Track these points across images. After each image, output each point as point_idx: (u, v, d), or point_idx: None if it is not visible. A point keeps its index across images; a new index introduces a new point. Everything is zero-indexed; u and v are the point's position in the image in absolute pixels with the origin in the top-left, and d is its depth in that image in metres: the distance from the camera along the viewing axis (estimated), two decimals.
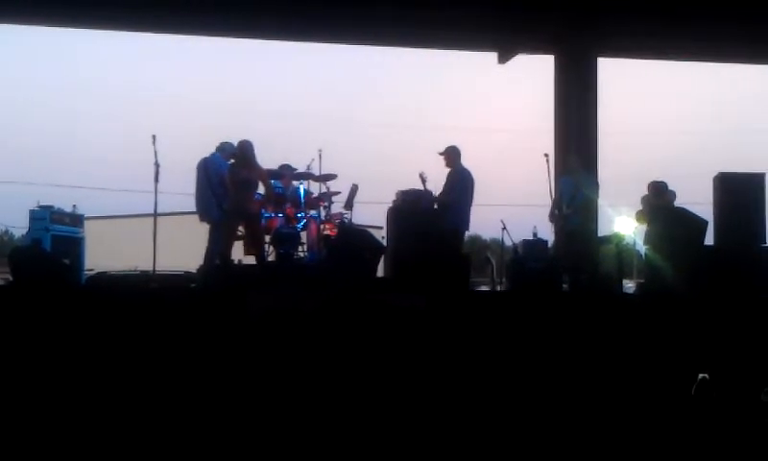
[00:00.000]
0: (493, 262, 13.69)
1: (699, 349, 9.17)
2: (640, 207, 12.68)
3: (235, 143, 12.10)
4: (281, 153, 12.78)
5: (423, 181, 12.50)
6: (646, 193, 12.59)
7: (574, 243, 11.81)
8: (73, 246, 12.16)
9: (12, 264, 10.19)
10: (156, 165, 11.34)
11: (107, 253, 18.07)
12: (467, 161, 12.41)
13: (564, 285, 11.23)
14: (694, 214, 11.45)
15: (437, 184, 12.43)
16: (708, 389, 8.04)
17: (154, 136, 11.34)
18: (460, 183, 12.41)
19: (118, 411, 8.28)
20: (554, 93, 14.29)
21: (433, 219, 12.08)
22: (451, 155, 12.55)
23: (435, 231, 11.75)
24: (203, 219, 12.03)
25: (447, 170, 12.47)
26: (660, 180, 12.64)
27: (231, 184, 11.62)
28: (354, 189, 13.29)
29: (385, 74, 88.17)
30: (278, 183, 13.02)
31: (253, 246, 12.05)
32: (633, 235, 13.47)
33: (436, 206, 12.37)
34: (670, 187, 12.63)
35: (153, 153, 11.31)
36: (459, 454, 8.15)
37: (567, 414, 8.67)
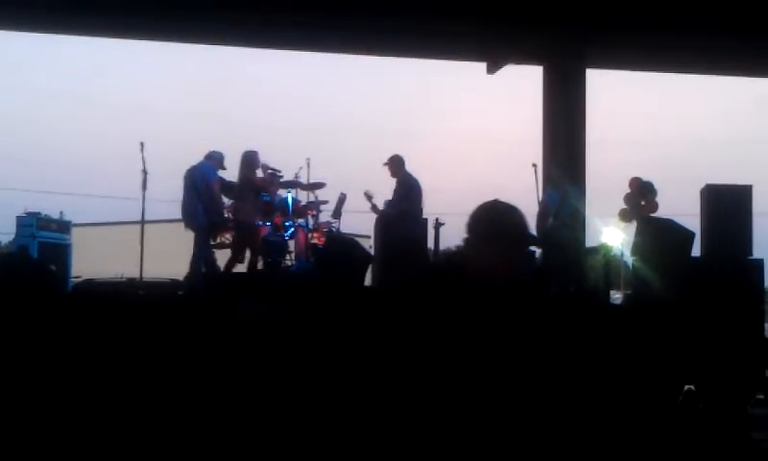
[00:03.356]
0: None
1: (685, 360, 9.19)
2: (624, 207, 12.68)
3: (224, 152, 12.16)
4: (270, 161, 12.78)
5: (369, 198, 12.67)
6: (629, 191, 12.59)
7: (561, 254, 11.82)
8: (60, 253, 12.14)
9: None
10: (144, 172, 11.34)
11: (93, 260, 18.03)
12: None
13: (551, 296, 11.24)
14: (681, 226, 11.47)
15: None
16: (694, 400, 8.05)
17: (142, 144, 11.36)
18: (410, 191, 12.54)
19: (104, 418, 8.24)
20: (542, 103, 14.32)
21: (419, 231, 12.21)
22: (395, 164, 12.68)
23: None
24: (188, 226, 12.03)
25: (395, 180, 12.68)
26: (641, 178, 12.62)
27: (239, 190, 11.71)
28: (342, 198, 13.32)
29: (374, 83, 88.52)
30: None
31: (241, 254, 12.10)
32: (620, 246, 13.50)
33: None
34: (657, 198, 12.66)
35: (141, 160, 11.32)
36: None
37: (553, 424, 8.67)
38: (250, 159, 12.48)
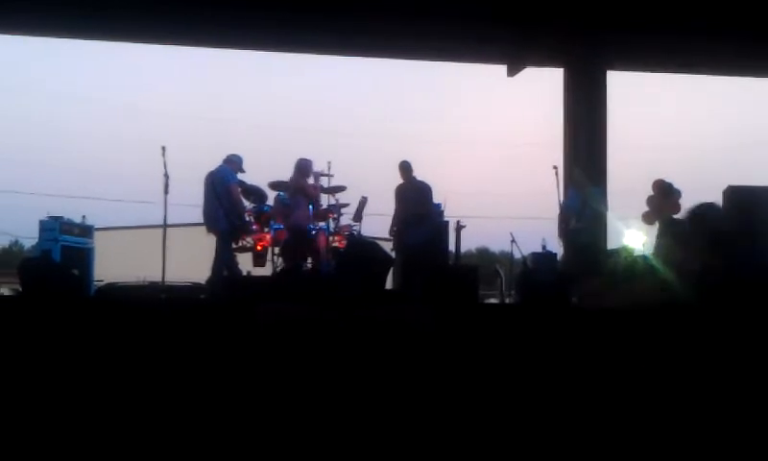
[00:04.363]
0: (502, 275, 13.69)
1: (710, 363, 9.13)
2: (647, 209, 12.62)
3: (242, 155, 12.22)
4: (291, 164, 12.83)
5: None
6: (652, 194, 12.53)
7: (583, 256, 11.79)
8: (82, 257, 12.18)
9: (22, 275, 10.20)
10: (166, 176, 11.37)
11: (116, 263, 18.09)
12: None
13: (573, 299, 11.21)
14: None
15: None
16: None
17: (163, 148, 11.39)
18: (424, 195, 12.61)
19: (127, 422, 8.27)
20: (563, 106, 14.31)
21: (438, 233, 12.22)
22: (405, 170, 12.79)
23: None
24: (210, 231, 12.08)
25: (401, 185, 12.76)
26: (664, 180, 12.56)
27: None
28: (363, 201, 13.33)
29: (395, 86, 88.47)
30: (287, 195, 13.06)
31: (302, 258, 12.22)
32: (642, 248, 13.44)
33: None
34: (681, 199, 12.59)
35: (162, 164, 11.36)
36: None
37: (577, 427, 8.64)
38: (302, 167, 12.60)
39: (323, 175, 13.04)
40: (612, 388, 9.02)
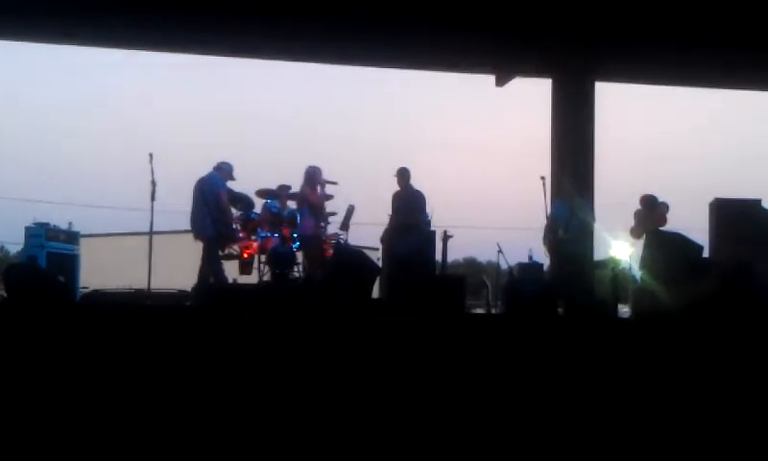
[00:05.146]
0: (489, 285, 13.69)
1: (694, 373, 9.15)
2: (634, 224, 12.64)
3: (232, 163, 12.19)
4: (278, 172, 12.86)
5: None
6: (640, 208, 12.55)
7: (569, 267, 11.80)
8: (68, 263, 12.16)
9: (7, 281, 10.18)
10: (153, 183, 11.36)
11: (102, 270, 18.03)
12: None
13: (560, 309, 11.22)
14: (690, 239, 11.45)
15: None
16: None
17: (151, 155, 11.38)
18: (417, 203, 12.59)
19: (112, 429, 8.24)
20: (551, 116, 14.31)
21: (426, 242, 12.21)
22: (404, 176, 12.74)
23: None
24: (197, 237, 12.07)
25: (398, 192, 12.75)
26: (651, 194, 12.59)
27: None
28: (351, 210, 13.31)
29: (382, 95, 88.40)
30: (275, 203, 13.05)
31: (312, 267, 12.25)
32: (629, 260, 13.47)
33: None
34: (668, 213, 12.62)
35: (149, 171, 11.34)
36: None
37: (562, 436, 8.64)
38: (309, 175, 12.60)
39: (329, 182, 12.99)
40: (597, 398, 9.03)
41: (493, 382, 8.99)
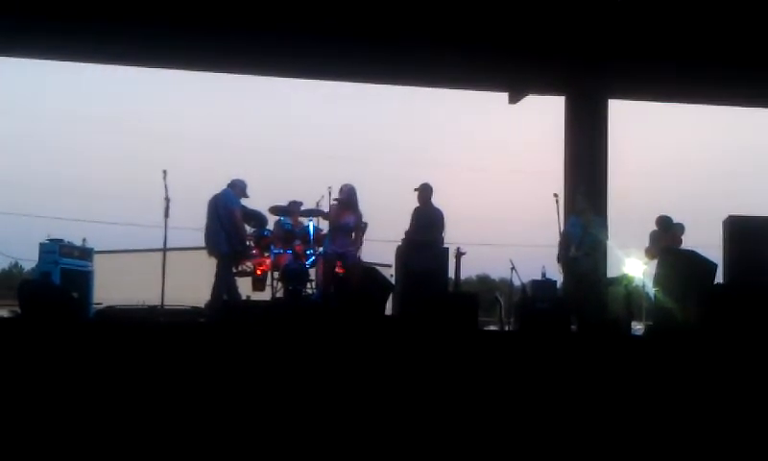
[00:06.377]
0: (502, 302, 13.67)
1: (708, 391, 9.11)
2: (648, 244, 12.63)
3: (246, 180, 12.23)
4: (291, 189, 12.84)
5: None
6: (655, 229, 12.53)
7: (583, 284, 11.77)
8: (82, 279, 12.17)
9: (21, 297, 10.21)
10: (167, 200, 11.38)
11: (115, 287, 18.12)
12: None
13: (573, 326, 11.19)
14: (704, 257, 11.41)
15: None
16: None
17: (164, 171, 11.41)
18: (437, 221, 12.51)
19: (126, 444, 8.25)
20: (564, 134, 14.31)
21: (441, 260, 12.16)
22: (426, 192, 12.64)
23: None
24: (211, 254, 12.08)
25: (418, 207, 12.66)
26: (666, 215, 12.58)
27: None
28: (363, 227, 13.30)
29: (396, 112, 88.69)
30: (288, 220, 13.05)
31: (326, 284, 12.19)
32: (642, 277, 13.43)
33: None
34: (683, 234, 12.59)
35: (163, 187, 11.37)
36: None
37: (574, 452, 8.62)
38: (348, 194, 12.47)
39: (334, 199, 12.87)
40: (610, 414, 9.00)
41: (507, 399, 8.97)
